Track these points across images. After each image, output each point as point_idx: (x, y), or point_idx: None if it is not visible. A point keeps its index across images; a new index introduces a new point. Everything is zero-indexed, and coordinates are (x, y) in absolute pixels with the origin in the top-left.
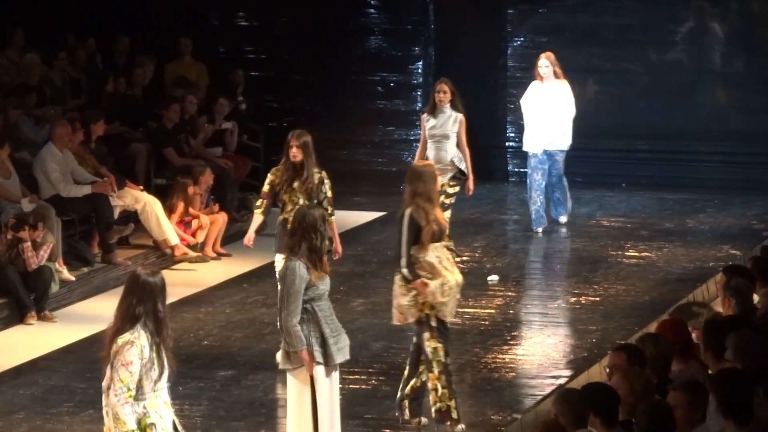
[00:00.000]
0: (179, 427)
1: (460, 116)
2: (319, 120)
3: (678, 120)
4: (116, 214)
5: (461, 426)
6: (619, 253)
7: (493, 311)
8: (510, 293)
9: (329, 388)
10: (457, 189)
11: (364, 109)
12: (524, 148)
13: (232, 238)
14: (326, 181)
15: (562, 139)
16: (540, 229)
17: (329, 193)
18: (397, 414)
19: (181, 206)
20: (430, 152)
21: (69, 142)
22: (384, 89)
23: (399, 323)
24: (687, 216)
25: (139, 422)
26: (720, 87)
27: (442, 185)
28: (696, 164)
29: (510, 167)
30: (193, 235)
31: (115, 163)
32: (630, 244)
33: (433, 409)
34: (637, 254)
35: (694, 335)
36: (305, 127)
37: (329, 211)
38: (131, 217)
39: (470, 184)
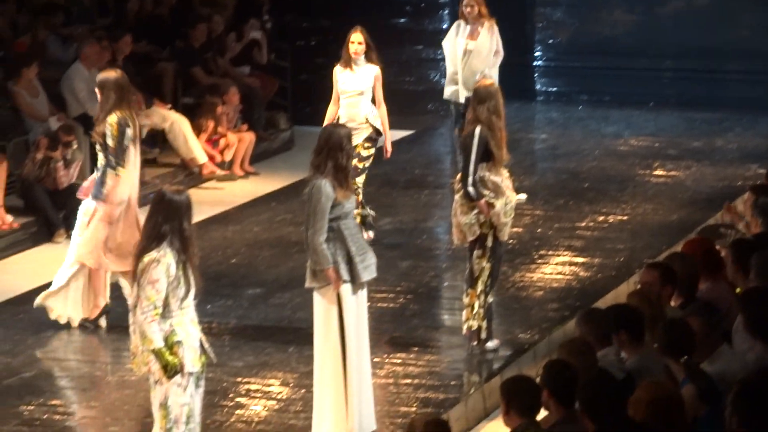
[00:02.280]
0: (206, 345)
1: (377, 70)
2: (343, 41)
3: (706, 38)
4: (144, 133)
5: (493, 342)
6: (647, 172)
7: (520, 230)
8: (538, 212)
9: (356, 306)
10: (372, 151)
11: (391, 28)
12: (444, 97)
13: (259, 156)
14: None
15: None
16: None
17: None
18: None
19: (209, 125)
20: (343, 110)
21: (96, 61)
22: (411, 8)
23: (459, 242)
24: (715, 135)
25: (165, 340)
26: (748, 5)
27: (356, 146)
28: (724, 83)
29: (538, 86)
30: (221, 153)
31: (142, 82)
32: (658, 163)
33: (464, 326)
34: (664, 173)
35: (722, 253)
36: (332, 46)
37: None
38: (159, 136)
39: (387, 145)
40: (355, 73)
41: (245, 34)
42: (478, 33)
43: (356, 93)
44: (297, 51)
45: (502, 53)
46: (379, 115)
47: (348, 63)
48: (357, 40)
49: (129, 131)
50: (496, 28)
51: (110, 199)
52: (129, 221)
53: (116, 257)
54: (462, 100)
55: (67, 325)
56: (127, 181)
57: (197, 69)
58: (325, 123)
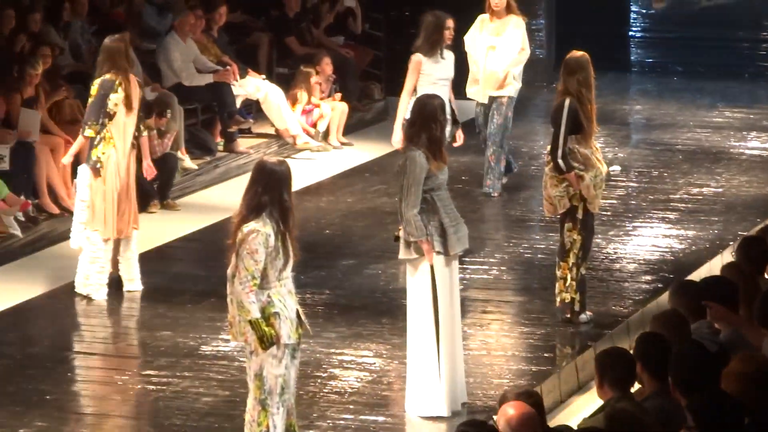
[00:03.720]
0: (302, 316)
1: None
2: (439, 9)
3: None
4: (238, 102)
5: (586, 315)
6: (742, 144)
7: (615, 201)
8: (632, 184)
9: (449, 277)
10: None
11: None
12: (468, 96)
13: (353, 127)
14: None
15: (512, 83)
16: (495, 194)
17: None
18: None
19: (302, 95)
20: None
21: (191, 31)
22: None
23: (549, 214)
24: None
25: (262, 311)
26: None
27: None
28: None
29: (633, 57)
30: (315, 124)
31: (237, 51)
32: (753, 135)
33: (557, 299)
34: (759, 145)
35: None
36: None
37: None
38: (253, 105)
39: (460, 131)
40: (446, 60)
41: (340, 3)
42: (503, 29)
43: (447, 80)
44: (391, 21)
45: (528, 51)
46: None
47: (436, 50)
48: (452, 27)
49: (115, 96)
50: (523, 24)
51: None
52: (114, 186)
53: (103, 224)
54: (485, 100)
55: (162, 297)
56: (119, 145)
57: (291, 39)
58: (400, 118)
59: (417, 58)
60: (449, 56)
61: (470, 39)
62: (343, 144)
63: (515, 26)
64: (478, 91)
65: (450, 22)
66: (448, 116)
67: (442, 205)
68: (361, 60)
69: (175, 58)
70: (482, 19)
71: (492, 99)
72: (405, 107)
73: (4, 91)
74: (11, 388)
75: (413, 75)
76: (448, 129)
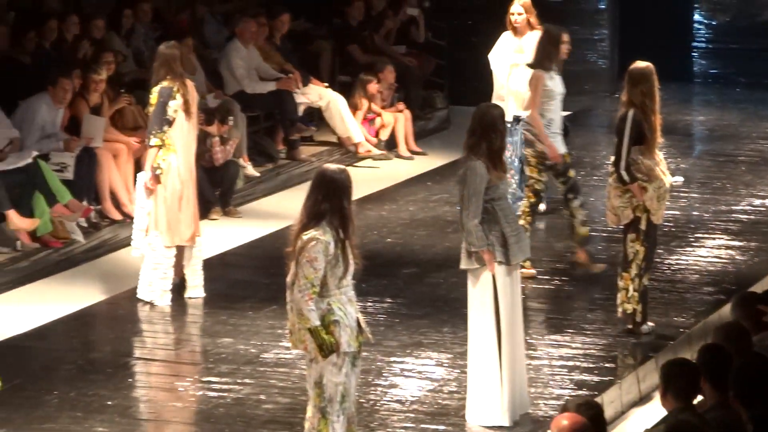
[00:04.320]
0: (363, 325)
1: None
2: (502, 18)
3: None
4: (300, 110)
5: (647, 325)
6: None
7: (677, 212)
8: (694, 195)
9: (510, 286)
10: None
11: (548, 7)
12: None
13: (416, 136)
14: None
15: None
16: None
17: None
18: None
19: (363, 103)
20: (552, 114)
21: (253, 39)
22: None
23: (613, 225)
24: None
25: (322, 319)
26: None
27: (564, 155)
28: None
29: (696, 68)
30: (377, 133)
31: (299, 59)
32: None
33: (619, 309)
34: None
35: None
36: (490, 25)
37: None
38: (315, 113)
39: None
40: (558, 76)
41: (402, 12)
42: (526, 46)
43: (562, 94)
44: (453, 29)
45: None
46: None
47: (553, 64)
48: (568, 41)
49: (174, 102)
50: None
51: (146, 167)
52: (175, 193)
53: (165, 231)
54: (510, 117)
55: (223, 304)
56: (180, 152)
57: (354, 47)
58: (545, 135)
59: (537, 73)
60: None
61: (494, 56)
62: (415, 153)
63: (537, 42)
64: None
65: (566, 37)
66: (560, 130)
67: (503, 214)
68: (424, 68)
69: (238, 65)
70: (505, 36)
71: (516, 118)
72: (540, 123)
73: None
74: (73, 394)
75: (536, 91)
76: (561, 142)
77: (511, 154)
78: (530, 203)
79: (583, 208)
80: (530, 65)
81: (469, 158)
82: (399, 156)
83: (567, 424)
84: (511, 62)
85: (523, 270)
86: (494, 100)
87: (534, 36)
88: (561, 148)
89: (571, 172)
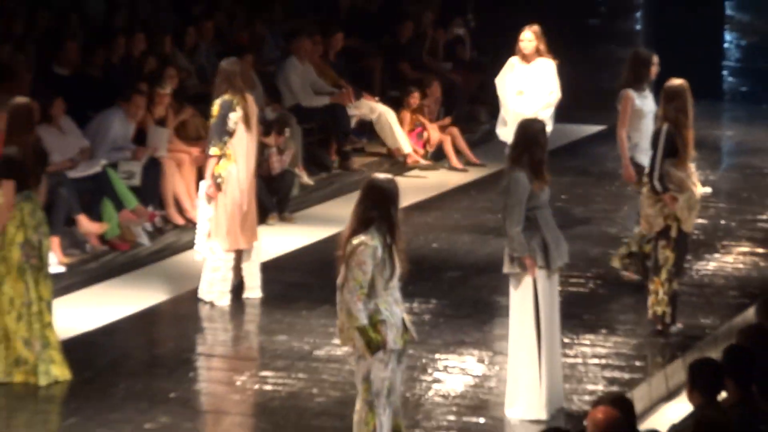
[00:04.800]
0: (408, 324)
1: None
2: (544, 38)
3: None
4: (353, 123)
5: (676, 327)
6: None
7: (705, 221)
8: (721, 204)
9: (550, 290)
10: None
11: (585, 28)
12: (499, 137)
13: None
14: None
15: None
16: None
17: None
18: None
19: (409, 116)
20: (638, 134)
21: (309, 55)
22: (605, 9)
23: (645, 232)
24: None
25: (370, 318)
26: None
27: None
28: None
29: (725, 85)
30: (425, 144)
31: (352, 75)
32: None
33: (650, 311)
34: None
35: None
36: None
37: None
38: (367, 126)
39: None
40: (651, 94)
41: (449, 31)
42: (532, 73)
43: (652, 112)
44: (497, 48)
45: (557, 94)
46: None
47: (643, 84)
48: (657, 62)
49: (234, 115)
50: (552, 67)
51: (207, 176)
52: (235, 200)
53: (225, 236)
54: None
55: (279, 304)
56: (239, 161)
57: (404, 64)
58: (626, 155)
59: (628, 93)
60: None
61: (500, 81)
62: (474, 164)
63: (544, 70)
64: (507, 131)
65: (655, 59)
66: (647, 147)
67: (544, 222)
68: (469, 84)
69: (294, 80)
70: (512, 62)
71: None
72: (626, 143)
73: (135, 108)
74: (138, 387)
75: (626, 110)
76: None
77: None
78: None
79: None
80: (620, 86)
81: (512, 169)
82: (453, 168)
83: (602, 417)
84: (518, 89)
85: (625, 273)
86: (498, 124)
87: (541, 63)
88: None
89: None
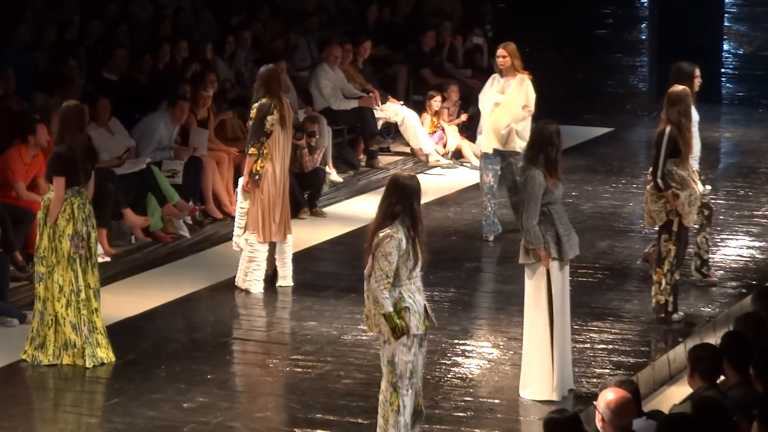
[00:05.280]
0: (429, 311)
1: None
2: (555, 47)
3: None
4: (379, 125)
5: (678, 314)
6: None
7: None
8: (720, 201)
9: (562, 280)
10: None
11: (595, 37)
12: (478, 147)
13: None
14: None
15: (516, 140)
16: (491, 237)
17: None
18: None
19: (429, 119)
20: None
21: (339, 62)
22: (613, 20)
23: (649, 226)
24: None
25: (395, 305)
26: None
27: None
28: None
29: (724, 91)
30: (445, 144)
31: (379, 80)
32: None
33: (653, 300)
34: None
35: None
36: (545, 53)
37: None
38: (392, 127)
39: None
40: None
41: (469, 41)
42: (507, 87)
43: (698, 122)
44: None
45: (531, 108)
46: None
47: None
48: (699, 75)
49: (271, 117)
50: (528, 82)
51: (245, 173)
52: (271, 196)
53: (261, 228)
54: (489, 150)
55: (309, 292)
56: (276, 160)
57: (426, 70)
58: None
59: None
60: None
61: (482, 94)
62: None
63: (518, 84)
64: (481, 139)
65: (698, 71)
66: (697, 154)
67: (557, 216)
68: None
69: (325, 85)
70: (494, 77)
71: (498, 152)
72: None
73: (179, 113)
74: (178, 368)
75: None
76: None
77: (492, 183)
78: (705, 216)
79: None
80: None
81: (528, 168)
82: (474, 168)
83: (614, 398)
84: (494, 101)
85: (708, 279)
86: (478, 134)
87: (517, 79)
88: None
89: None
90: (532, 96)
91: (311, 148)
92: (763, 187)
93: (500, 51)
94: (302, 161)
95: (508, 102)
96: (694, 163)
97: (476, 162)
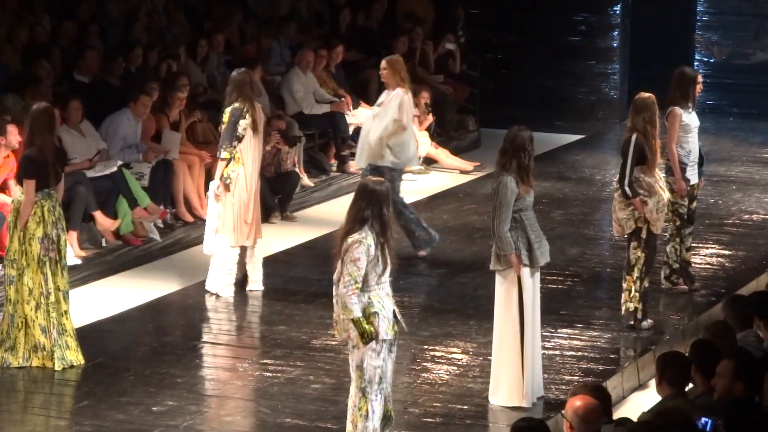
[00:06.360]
0: (398, 316)
1: None
2: (528, 53)
3: None
4: (351, 129)
5: (647, 322)
6: None
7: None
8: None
9: (532, 287)
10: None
11: (567, 45)
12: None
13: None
14: None
15: (387, 155)
16: (426, 251)
17: None
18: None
19: None
20: (689, 147)
21: (311, 66)
22: (585, 27)
23: (617, 235)
24: None
25: (363, 311)
26: None
27: (693, 186)
28: None
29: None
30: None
31: (351, 85)
32: None
33: (623, 308)
34: None
35: None
36: (517, 59)
37: None
38: None
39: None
40: (694, 111)
41: (441, 46)
42: (388, 99)
43: (697, 127)
44: (486, 63)
45: (402, 122)
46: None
47: (688, 102)
48: (701, 81)
49: (243, 121)
50: (406, 97)
51: (216, 177)
52: (242, 200)
53: (231, 232)
54: (364, 165)
55: (280, 296)
56: (247, 164)
57: None
58: (678, 168)
59: (675, 111)
60: None
61: (374, 108)
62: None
63: (395, 97)
64: (357, 155)
65: (700, 78)
66: (698, 159)
67: (528, 223)
68: (459, 95)
69: (297, 89)
70: (387, 90)
71: (373, 167)
72: (676, 156)
73: (153, 112)
74: (147, 371)
75: (674, 126)
76: (694, 171)
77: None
78: (676, 226)
79: (691, 237)
80: (669, 102)
81: (501, 174)
82: (464, 172)
83: (581, 404)
84: (373, 113)
85: (677, 287)
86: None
87: (396, 93)
88: (694, 178)
89: (693, 204)
90: (407, 110)
91: (289, 140)
92: (733, 196)
93: (382, 63)
94: (283, 162)
95: (382, 116)
96: (693, 169)
97: (465, 165)
